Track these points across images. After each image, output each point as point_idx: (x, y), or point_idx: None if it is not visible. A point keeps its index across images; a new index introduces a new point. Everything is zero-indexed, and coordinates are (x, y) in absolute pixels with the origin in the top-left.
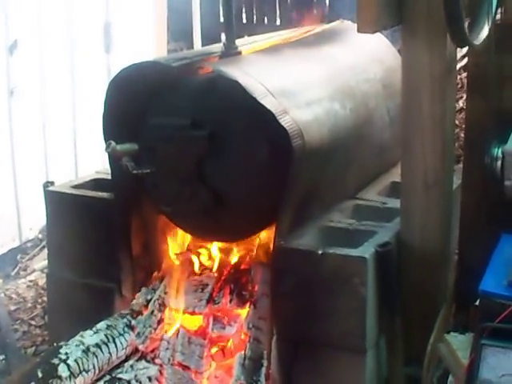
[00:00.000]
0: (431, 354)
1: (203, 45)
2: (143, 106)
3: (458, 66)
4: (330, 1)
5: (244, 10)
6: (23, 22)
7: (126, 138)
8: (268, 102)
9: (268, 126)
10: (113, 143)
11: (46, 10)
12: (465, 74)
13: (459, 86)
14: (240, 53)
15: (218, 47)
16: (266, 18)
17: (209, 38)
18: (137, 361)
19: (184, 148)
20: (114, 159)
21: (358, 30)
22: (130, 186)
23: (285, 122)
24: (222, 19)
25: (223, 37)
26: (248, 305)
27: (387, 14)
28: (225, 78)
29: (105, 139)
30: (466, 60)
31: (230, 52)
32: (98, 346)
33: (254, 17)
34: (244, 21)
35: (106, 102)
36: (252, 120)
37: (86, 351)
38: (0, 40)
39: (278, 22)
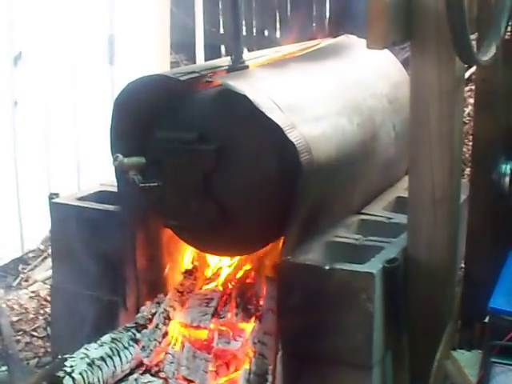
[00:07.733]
0: (437, 371)
1: (204, 56)
2: (150, 120)
3: None
4: (330, 14)
5: (244, 23)
6: (28, 34)
7: (133, 152)
8: (276, 117)
9: (276, 141)
10: (120, 156)
11: (50, 22)
12: (468, 88)
13: None
14: (247, 67)
15: (225, 61)
16: (266, 31)
17: (209, 50)
18: (141, 374)
19: (191, 162)
20: (120, 172)
21: (368, 47)
22: (136, 199)
23: (293, 136)
24: (221, 31)
25: (223, 48)
26: (253, 319)
27: (396, 30)
28: (233, 92)
29: (112, 152)
30: (468, 72)
31: (238, 66)
32: (102, 359)
33: (254, 29)
34: (244, 33)
35: (114, 116)
36: (260, 135)
37: (91, 364)
38: (5, 51)
39: (277, 35)
